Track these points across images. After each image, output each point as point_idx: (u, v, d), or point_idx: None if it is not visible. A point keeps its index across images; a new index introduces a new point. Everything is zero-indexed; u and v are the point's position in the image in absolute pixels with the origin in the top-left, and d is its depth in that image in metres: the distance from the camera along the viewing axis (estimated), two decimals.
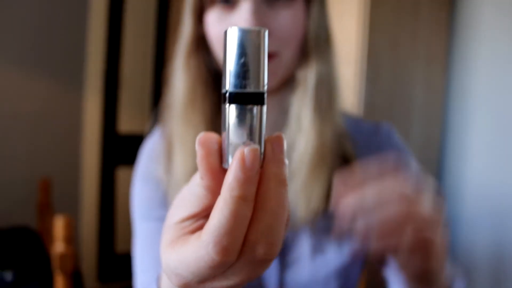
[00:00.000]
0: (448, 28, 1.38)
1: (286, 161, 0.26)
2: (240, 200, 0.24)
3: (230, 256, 0.25)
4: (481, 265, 1.27)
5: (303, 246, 0.63)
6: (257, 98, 0.25)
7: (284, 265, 0.62)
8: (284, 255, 0.63)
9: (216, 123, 0.64)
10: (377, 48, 1.22)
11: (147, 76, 2.32)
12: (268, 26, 0.55)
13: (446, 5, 1.37)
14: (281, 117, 0.63)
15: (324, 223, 0.63)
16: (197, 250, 0.25)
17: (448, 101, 1.41)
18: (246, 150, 0.24)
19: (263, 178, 0.25)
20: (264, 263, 0.26)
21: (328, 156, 0.60)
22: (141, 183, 0.69)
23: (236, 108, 0.25)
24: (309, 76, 0.60)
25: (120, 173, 2.27)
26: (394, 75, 1.28)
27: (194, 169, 0.61)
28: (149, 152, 0.71)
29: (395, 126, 0.72)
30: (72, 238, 1.00)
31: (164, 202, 0.65)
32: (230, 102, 0.25)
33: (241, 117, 0.25)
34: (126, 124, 2.28)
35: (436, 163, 1.41)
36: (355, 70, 1.22)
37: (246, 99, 0.25)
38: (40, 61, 2.03)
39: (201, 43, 0.63)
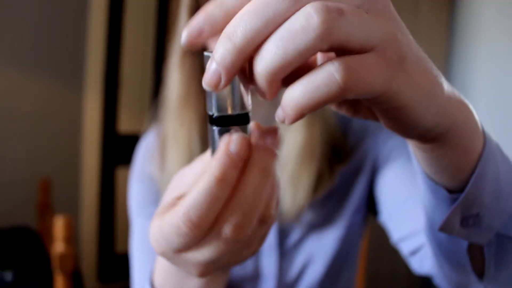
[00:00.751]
0: (448, 28, 1.38)
1: (277, 153, 0.27)
2: (218, 181, 0.25)
3: (196, 230, 0.26)
4: None
5: (298, 233, 0.64)
6: (243, 119, 0.26)
7: (281, 255, 0.64)
8: (281, 245, 0.64)
9: None
10: None
11: (147, 76, 2.32)
12: None
13: (446, 5, 1.37)
14: (271, 111, 0.64)
15: (313, 216, 0.64)
16: (171, 217, 0.26)
17: None
18: (234, 135, 0.25)
19: (248, 163, 0.26)
20: (231, 244, 0.27)
21: (317, 150, 0.61)
22: (137, 182, 0.70)
23: (223, 130, 0.26)
24: None
25: (120, 173, 2.27)
26: None
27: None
28: (144, 151, 0.72)
29: None
30: (72, 238, 1.00)
31: (159, 200, 0.66)
32: (217, 125, 0.26)
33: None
34: (126, 124, 2.28)
35: None
36: None
37: (232, 121, 0.26)
38: (40, 61, 2.03)
39: None
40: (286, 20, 0.22)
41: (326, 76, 0.22)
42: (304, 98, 0.22)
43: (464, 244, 0.36)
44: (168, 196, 0.31)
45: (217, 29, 0.25)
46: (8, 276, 1.47)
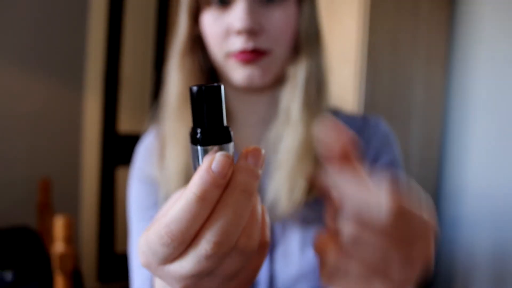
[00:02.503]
0: (448, 28, 1.38)
1: (259, 173, 0.27)
2: (198, 198, 0.25)
3: (177, 241, 0.26)
4: (481, 265, 1.28)
5: (292, 239, 0.63)
6: (225, 138, 0.28)
7: (273, 259, 0.63)
8: (273, 248, 0.63)
9: None
10: (377, 48, 1.22)
11: (147, 76, 2.32)
12: (261, 25, 0.58)
13: (446, 5, 1.37)
14: (271, 111, 0.65)
15: (309, 214, 0.63)
16: (155, 228, 0.27)
17: (448, 101, 1.41)
18: (218, 154, 0.26)
19: (229, 183, 0.26)
20: (209, 258, 0.27)
21: (314, 148, 0.61)
22: (137, 184, 0.70)
23: (206, 149, 0.27)
24: (299, 71, 0.62)
25: (120, 173, 2.27)
26: (394, 75, 1.28)
27: (186, 165, 0.62)
28: (143, 152, 0.72)
29: (395, 126, 0.72)
30: (72, 238, 1.00)
31: (158, 202, 0.66)
32: (200, 144, 0.27)
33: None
34: (126, 124, 2.28)
35: (436, 163, 1.41)
36: (355, 70, 1.22)
37: (215, 139, 0.27)
38: (40, 61, 2.03)
39: (196, 42, 0.65)
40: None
41: None
42: None
43: None
44: (160, 214, 0.32)
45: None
46: (8, 276, 1.47)
